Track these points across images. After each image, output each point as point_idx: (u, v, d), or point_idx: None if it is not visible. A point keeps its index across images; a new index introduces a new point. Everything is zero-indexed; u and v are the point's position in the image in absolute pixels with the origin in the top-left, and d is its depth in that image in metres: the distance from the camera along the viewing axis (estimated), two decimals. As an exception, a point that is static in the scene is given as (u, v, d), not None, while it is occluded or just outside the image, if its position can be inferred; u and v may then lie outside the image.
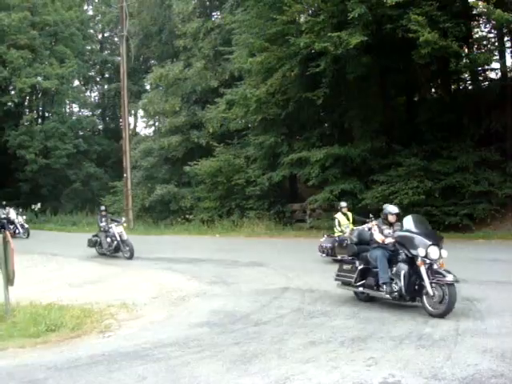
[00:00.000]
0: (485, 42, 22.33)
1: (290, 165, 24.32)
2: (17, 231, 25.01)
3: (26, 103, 44.24)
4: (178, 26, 32.64)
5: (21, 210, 28.89)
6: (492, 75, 23.85)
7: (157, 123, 41.10)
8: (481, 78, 24.18)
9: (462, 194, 19.93)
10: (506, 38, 21.84)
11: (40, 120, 44.66)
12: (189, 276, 13.20)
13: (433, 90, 25.46)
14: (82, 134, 44.65)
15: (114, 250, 17.81)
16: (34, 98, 44.45)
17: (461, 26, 19.03)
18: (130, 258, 17.13)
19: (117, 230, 17.58)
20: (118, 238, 17.49)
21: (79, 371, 6.41)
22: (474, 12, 20.15)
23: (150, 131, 44.10)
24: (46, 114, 45.18)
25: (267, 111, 25.34)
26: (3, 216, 25.52)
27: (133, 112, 43.74)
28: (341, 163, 22.76)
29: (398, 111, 26.22)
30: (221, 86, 30.58)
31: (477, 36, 22.72)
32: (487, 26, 22.07)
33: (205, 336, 7.75)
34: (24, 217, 27.08)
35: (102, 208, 20.08)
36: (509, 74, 21.26)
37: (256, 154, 27.11)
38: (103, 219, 18.74)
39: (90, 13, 50.40)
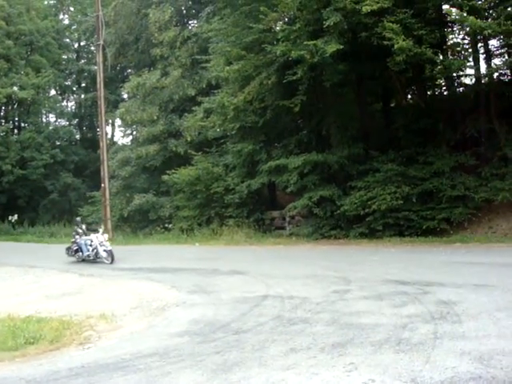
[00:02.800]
0: (459, 49, 22.62)
1: (268, 172, 24.38)
2: None
3: (1, 113, 43.86)
4: (154, 35, 32.64)
5: None
6: (467, 81, 24.20)
7: (134, 132, 40.94)
8: (456, 84, 24.48)
9: (439, 198, 20.15)
10: (479, 45, 22.13)
11: (16, 130, 44.34)
12: (168, 285, 13.13)
13: (409, 96, 25.75)
14: (58, 144, 44.35)
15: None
16: (9, 108, 44.16)
17: (435, 33, 19.32)
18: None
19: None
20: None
21: (59, 384, 6.36)
22: (448, 19, 20.42)
23: (127, 140, 43.95)
24: (22, 125, 44.86)
25: (245, 119, 25.41)
26: None
27: (110, 121, 43.51)
28: (319, 170, 22.88)
29: (375, 118, 26.52)
30: (198, 94, 30.65)
31: (451, 42, 23.01)
32: (461, 32, 22.37)
33: (185, 345, 7.72)
34: None
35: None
36: (483, 80, 21.55)
37: (234, 162, 27.13)
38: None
39: (66, 22, 50.26)
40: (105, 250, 18.07)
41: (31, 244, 29.84)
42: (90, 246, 18.51)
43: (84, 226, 19.73)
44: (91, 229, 19.97)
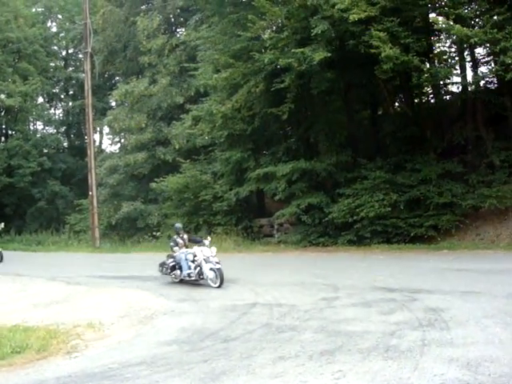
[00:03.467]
0: (445, 57, 22.79)
1: (256, 180, 24.37)
2: None
3: (-12, 121, 43.63)
4: (142, 43, 32.63)
5: None
6: (453, 89, 24.34)
7: (122, 140, 40.84)
8: (442, 92, 24.66)
9: (427, 205, 20.23)
10: (466, 53, 22.31)
11: (3, 138, 44.07)
12: (157, 294, 13.09)
13: (396, 104, 25.86)
14: (46, 151, 44.06)
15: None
16: (-4, 115, 43.86)
17: (422, 42, 19.46)
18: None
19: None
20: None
21: (45, 394, 6.31)
22: (435, 27, 20.56)
23: (115, 148, 43.81)
24: (10, 132, 44.57)
25: (233, 127, 25.41)
26: None
27: (98, 129, 43.38)
28: (307, 177, 22.92)
29: (363, 125, 26.63)
30: (186, 102, 30.67)
31: (438, 51, 23.17)
32: (447, 40, 22.55)
33: (173, 354, 7.69)
34: None
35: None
36: (469, 88, 21.70)
37: (223, 170, 27.11)
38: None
39: (54, 30, 50.03)
40: (212, 269, 13.55)
41: (18, 252, 29.55)
42: (193, 262, 14.08)
43: (186, 236, 15.21)
44: (194, 239, 15.25)
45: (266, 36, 22.63)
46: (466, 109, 21.89)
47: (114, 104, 40.24)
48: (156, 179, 29.11)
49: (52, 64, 47.72)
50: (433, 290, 11.08)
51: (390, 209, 20.19)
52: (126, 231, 31.75)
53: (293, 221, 23.96)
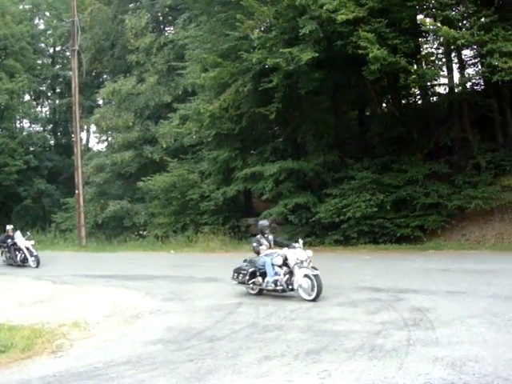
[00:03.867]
0: (433, 58, 22.90)
1: (244, 179, 24.39)
2: None
3: (-26, 119, 43.23)
4: (130, 41, 32.51)
5: None
6: (440, 90, 24.49)
7: (109, 138, 40.66)
8: (429, 93, 24.81)
9: (413, 206, 20.34)
10: (453, 54, 22.43)
11: (-11, 136, 43.63)
12: (143, 293, 13.05)
13: (383, 104, 25.99)
14: (32, 149, 43.74)
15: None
16: (-18, 113, 43.47)
17: (409, 43, 19.55)
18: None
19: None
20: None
21: (29, 393, 6.27)
22: (422, 29, 20.67)
23: (102, 147, 43.61)
24: (-5, 130, 44.18)
25: (221, 126, 25.39)
26: None
27: (85, 127, 43.14)
28: (294, 177, 22.97)
29: (350, 126, 26.73)
30: (174, 101, 30.59)
31: (425, 52, 23.29)
32: (435, 42, 22.66)
33: (159, 353, 7.67)
34: None
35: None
36: (456, 89, 21.83)
37: (210, 169, 27.09)
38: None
39: (41, 27, 49.72)
40: (306, 276, 10.79)
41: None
42: (281, 267, 11.31)
43: (271, 237, 12.24)
44: (281, 242, 12.36)
45: (254, 36, 22.61)
46: (453, 110, 22.01)
47: (101, 102, 40.09)
48: (143, 178, 29.01)
49: (39, 61, 47.42)
50: (418, 290, 11.14)
51: (376, 209, 20.28)
52: (113, 230, 31.62)
53: (280, 221, 23.97)
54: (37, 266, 19.53)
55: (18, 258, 20.16)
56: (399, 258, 17.70)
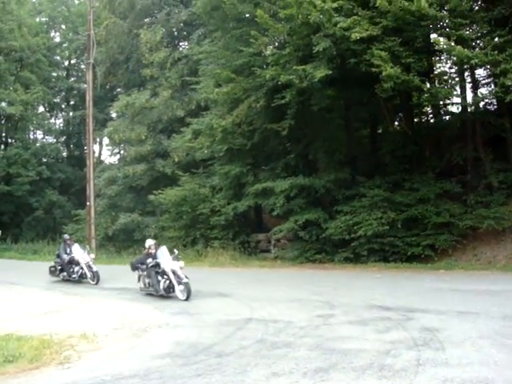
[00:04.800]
0: (446, 77, 22.91)
1: (255, 195, 24.38)
2: None
3: (-12, 129, 43.70)
4: (145, 55, 32.76)
5: None
6: (453, 109, 24.44)
7: (122, 151, 40.93)
8: (442, 112, 24.81)
9: (424, 225, 20.23)
10: (466, 74, 22.44)
11: (3, 146, 44.09)
12: (151, 307, 13.04)
13: (396, 122, 25.97)
14: (45, 160, 44.12)
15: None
16: (-4, 123, 43.94)
17: (423, 62, 19.55)
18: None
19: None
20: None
21: (36, 404, 6.26)
22: (436, 48, 20.69)
23: (114, 159, 43.91)
24: (10, 140, 44.59)
25: (233, 141, 25.47)
26: None
27: (98, 140, 43.52)
28: (305, 194, 22.93)
29: (362, 143, 26.70)
30: (187, 115, 30.72)
31: (438, 71, 23.30)
32: (448, 61, 22.70)
33: (166, 368, 7.65)
34: None
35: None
36: (469, 109, 21.79)
37: (221, 184, 27.12)
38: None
39: (57, 39, 50.34)
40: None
41: (14, 261, 29.45)
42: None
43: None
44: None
45: (267, 52, 22.78)
46: (466, 129, 21.96)
47: (114, 115, 40.33)
48: (154, 191, 29.08)
49: (54, 74, 47.95)
50: (429, 310, 11.05)
51: (387, 227, 20.18)
52: (123, 243, 31.66)
53: (290, 237, 23.94)
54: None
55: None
56: (409, 276, 17.59)
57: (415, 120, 25.05)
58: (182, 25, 35.51)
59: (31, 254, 33.22)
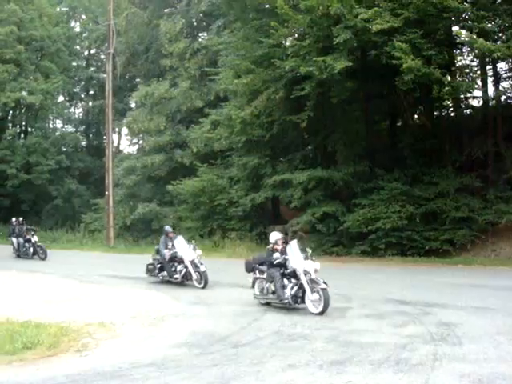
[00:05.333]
0: (467, 70, 22.69)
1: (272, 186, 24.35)
2: None
3: (9, 117, 43.98)
4: (164, 46, 32.75)
5: None
6: (474, 103, 24.21)
7: (140, 141, 41.06)
8: (463, 106, 24.53)
9: (443, 219, 20.09)
10: (488, 67, 22.20)
11: (23, 135, 44.39)
12: (169, 296, 13.11)
13: (415, 116, 25.76)
14: (64, 150, 44.38)
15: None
16: (17, 112, 44.22)
17: (444, 54, 19.37)
18: None
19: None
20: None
21: (55, 390, 6.33)
22: (458, 41, 20.48)
23: (133, 149, 44.06)
24: (29, 129, 44.89)
25: (251, 133, 25.43)
26: None
27: (117, 130, 43.62)
28: (323, 186, 22.85)
29: (381, 136, 26.50)
30: (206, 106, 30.72)
31: (459, 64, 23.07)
32: (470, 54, 22.46)
33: (183, 357, 7.69)
34: None
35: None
36: (490, 103, 21.56)
37: (239, 175, 27.13)
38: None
39: (77, 29, 50.43)
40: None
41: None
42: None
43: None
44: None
45: (287, 43, 22.66)
46: (487, 124, 21.74)
47: (133, 105, 40.40)
48: (172, 182, 29.18)
49: (74, 63, 48.10)
50: (446, 305, 10.99)
51: (406, 221, 20.05)
52: (141, 232, 31.83)
53: (307, 229, 23.88)
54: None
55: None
56: (427, 271, 17.49)
57: (435, 113, 24.82)
58: (201, 15, 35.44)
59: (50, 242, 33.49)
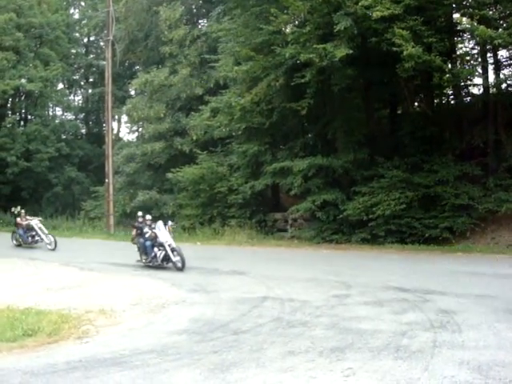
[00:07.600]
0: (468, 58, 22.60)
1: (272, 174, 24.34)
2: None
3: (8, 105, 43.84)
4: (164, 33, 32.61)
5: None
6: (474, 91, 24.13)
7: (140, 129, 40.97)
8: (463, 93, 24.45)
9: (443, 207, 20.10)
10: (488, 54, 22.10)
11: (22, 122, 44.23)
12: (169, 283, 13.15)
13: (416, 103, 25.67)
14: (64, 137, 44.26)
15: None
16: (17, 100, 44.05)
17: (444, 41, 19.30)
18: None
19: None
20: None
21: (55, 377, 6.36)
22: (458, 28, 20.39)
23: (133, 137, 43.97)
24: (29, 117, 44.72)
25: (251, 120, 25.38)
26: None
27: (116, 117, 43.47)
28: (323, 173, 22.86)
29: (381, 123, 26.47)
30: (206, 93, 30.63)
31: (460, 51, 22.97)
32: (471, 41, 22.36)
33: (183, 344, 7.73)
34: None
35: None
36: (491, 90, 21.49)
37: (239, 163, 27.11)
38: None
39: (76, 16, 50.15)
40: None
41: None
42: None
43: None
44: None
45: (288, 30, 22.55)
46: (487, 111, 21.69)
47: (133, 93, 40.29)
48: (172, 169, 29.15)
49: (73, 50, 47.89)
50: (446, 292, 11.02)
51: (405, 206, 20.07)
52: (141, 220, 31.84)
53: (307, 216, 23.91)
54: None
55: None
56: (427, 258, 17.53)
57: (436, 101, 24.78)
58: (201, 2, 35.29)
59: (50, 229, 33.50)
